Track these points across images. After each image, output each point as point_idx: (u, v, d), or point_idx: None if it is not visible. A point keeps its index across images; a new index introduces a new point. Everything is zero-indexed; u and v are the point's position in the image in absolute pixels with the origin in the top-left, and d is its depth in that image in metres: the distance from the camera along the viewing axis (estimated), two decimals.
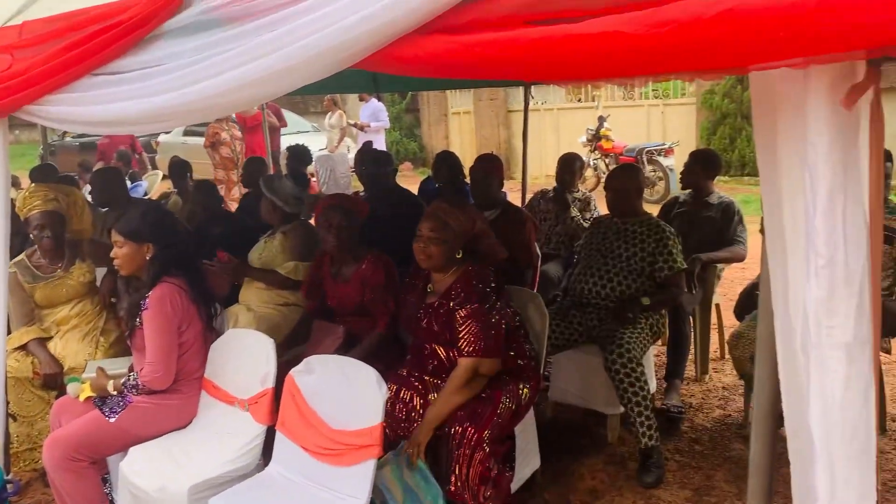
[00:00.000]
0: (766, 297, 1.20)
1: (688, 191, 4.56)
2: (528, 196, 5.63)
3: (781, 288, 1.14)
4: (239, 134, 9.86)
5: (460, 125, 15.69)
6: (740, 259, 4.33)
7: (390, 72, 1.53)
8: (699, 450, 3.56)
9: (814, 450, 1.12)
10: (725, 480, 3.26)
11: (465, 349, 2.73)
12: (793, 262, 1.10)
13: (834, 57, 0.96)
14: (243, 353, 2.95)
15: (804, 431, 1.13)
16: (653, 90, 13.42)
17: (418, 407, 2.80)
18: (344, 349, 3.22)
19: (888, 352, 3.68)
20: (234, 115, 9.75)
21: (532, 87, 7.11)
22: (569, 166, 5.02)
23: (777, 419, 1.33)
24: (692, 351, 4.29)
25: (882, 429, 3.67)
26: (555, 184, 5.12)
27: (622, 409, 3.46)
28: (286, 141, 9.83)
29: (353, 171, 8.02)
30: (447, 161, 4.86)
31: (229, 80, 1.89)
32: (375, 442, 2.43)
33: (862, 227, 1.03)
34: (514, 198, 5.60)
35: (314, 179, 9.91)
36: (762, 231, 1.20)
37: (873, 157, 1.02)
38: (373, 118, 10.92)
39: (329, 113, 11.11)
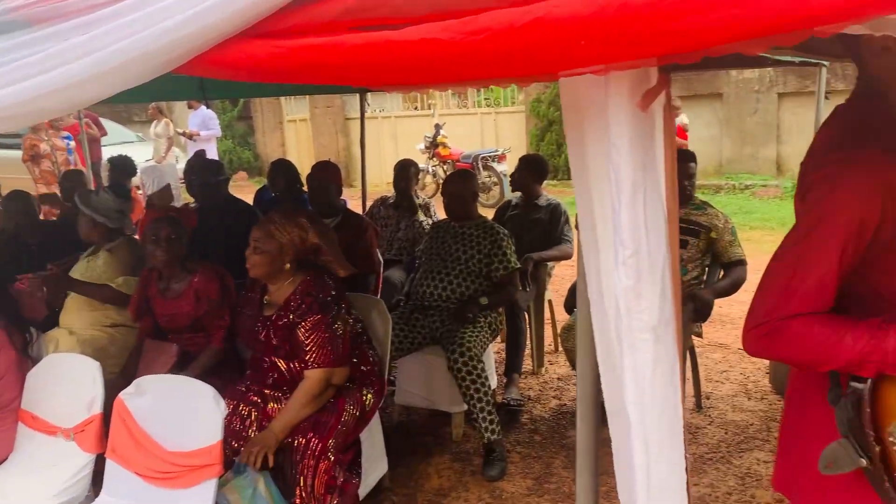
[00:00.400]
0: (584, 288, 1.29)
1: (518, 194, 4.78)
2: (369, 203, 5.65)
3: (595, 279, 1.23)
4: (61, 144, 9.13)
5: (297, 133, 15.45)
6: (568, 256, 4.58)
7: (214, 76, 1.49)
8: (538, 440, 3.73)
9: (630, 426, 1.21)
10: (563, 467, 3.44)
11: (315, 361, 2.70)
12: (604, 254, 1.19)
13: (630, 64, 1.05)
14: (65, 379, 2.74)
15: (622, 410, 1.23)
16: (485, 99, 13.91)
17: (257, 421, 2.73)
18: (179, 368, 3.08)
19: (700, 336, 4.04)
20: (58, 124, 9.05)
21: (369, 94, 7.14)
22: (404, 172, 5.09)
23: (600, 403, 1.43)
24: (528, 345, 4.49)
25: (698, 406, 4.02)
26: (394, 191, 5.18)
27: (465, 406, 3.56)
28: (108, 152, 9.21)
29: (182, 183, 7.67)
30: (283, 169, 4.77)
31: (36, 86, 1.75)
32: (215, 460, 2.34)
33: (661, 219, 1.14)
34: (355, 205, 5.60)
35: (140, 192, 9.37)
36: (577, 227, 1.28)
37: (667, 155, 1.13)
38: (202, 126, 10.49)
39: (154, 122, 10.55)
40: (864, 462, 1.29)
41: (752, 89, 11.41)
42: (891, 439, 1.28)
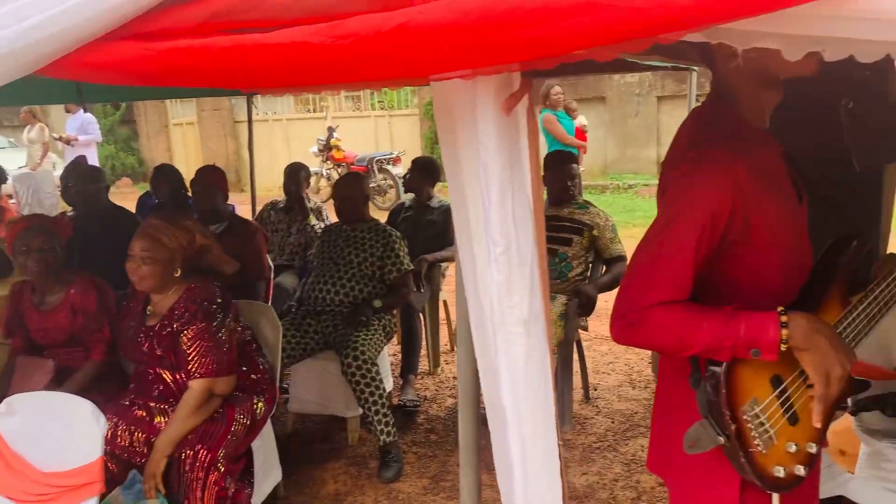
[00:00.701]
0: (461, 285, 1.33)
1: (411, 196, 4.82)
2: (259, 208, 5.54)
3: (471, 276, 1.27)
4: None
5: (184, 137, 14.96)
6: None
7: (81, 79, 1.44)
8: (434, 439, 3.78)
9: (506, 418, 1.26)
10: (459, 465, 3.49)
11: (198, 371, 2.63)
12: (478, 251, 1.23)
13: (494, 69, 1.09)
14: None
15: (498, 404, 1.27)
16: (378, 102, 13.91)
17: (142, 436, 2.64)
18: (56, 385, 2.93)
19: (586, 329, 4.19)
20: None
21: (258, 97, 6.98)
22: (295, 176, 5.03)
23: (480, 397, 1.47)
24: (424, 346, 4.53)
25: (586, 397, 4.17)
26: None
27: (361, 410, 3.56)
28: None
29: (59, 190, 7.28)
30: (166, 174, 4.61)
31: None
32: (95, 478, 2.25)
33: (528, 216, 1.19)
34: (245, 210, 5.49)
35: (13, 201, 8.83)
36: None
37: (532, 155, 1.19)
38: (81, 131, 9.97)
39: (28, 126, 9.98)
40: (722, 440, 1.38)
41: (634, 93, 11.95)
42: (745, 418, 1.38)
